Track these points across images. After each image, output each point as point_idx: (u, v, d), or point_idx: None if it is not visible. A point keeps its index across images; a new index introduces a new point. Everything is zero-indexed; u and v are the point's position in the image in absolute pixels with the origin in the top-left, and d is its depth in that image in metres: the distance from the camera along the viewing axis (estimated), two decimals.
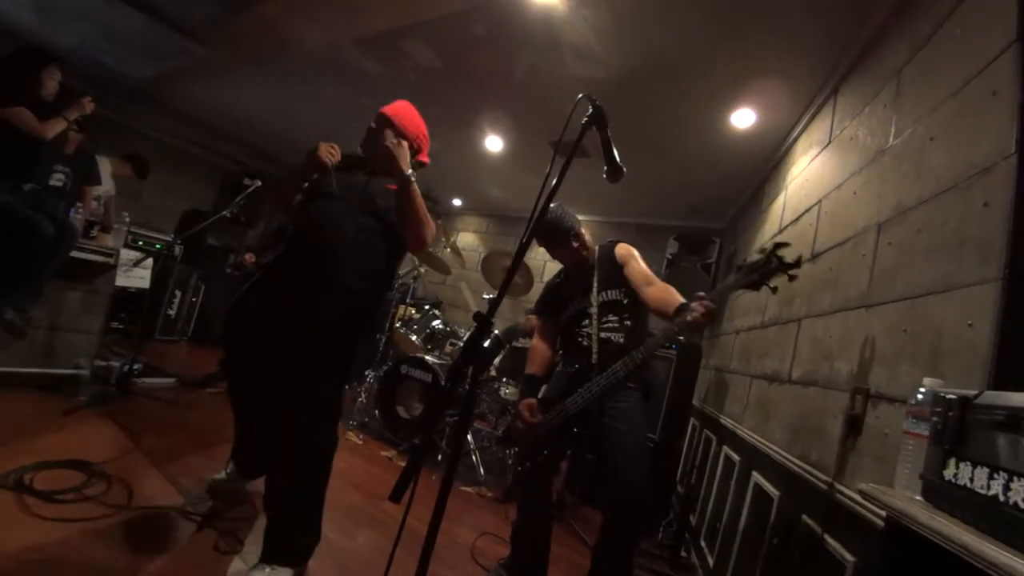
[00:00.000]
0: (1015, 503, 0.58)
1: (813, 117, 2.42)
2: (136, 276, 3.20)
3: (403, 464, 3.01)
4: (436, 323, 3.72)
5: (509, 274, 0.97)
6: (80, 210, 2.88)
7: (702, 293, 1.44)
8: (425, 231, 1.69)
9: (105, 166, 3.62)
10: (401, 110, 1.82)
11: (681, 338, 2.99)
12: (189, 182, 6.07)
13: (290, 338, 1.61)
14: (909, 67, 1.54)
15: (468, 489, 2.91)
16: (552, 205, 1.90)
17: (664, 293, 1.69)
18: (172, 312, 5.10)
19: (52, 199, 2.61)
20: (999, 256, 0.92)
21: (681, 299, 1.58)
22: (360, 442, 3.22)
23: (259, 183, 3.37)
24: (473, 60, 2.97)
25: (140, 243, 4.40)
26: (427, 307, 3.77)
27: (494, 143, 4.07)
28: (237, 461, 2.01)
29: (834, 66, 2.14)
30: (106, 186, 3.58)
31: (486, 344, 3.54)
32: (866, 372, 1.32)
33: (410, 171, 1.63)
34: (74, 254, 2.64)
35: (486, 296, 3.90)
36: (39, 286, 2.49)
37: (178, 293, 5.14)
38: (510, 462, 3.11)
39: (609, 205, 5.29)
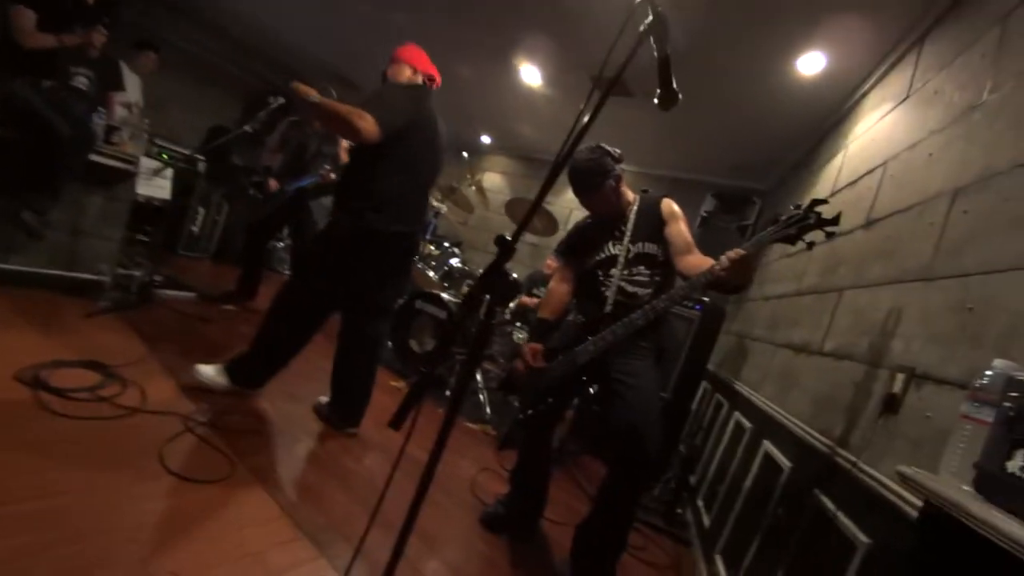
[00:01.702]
0: None
1: (892, 67, 2.16)
2: (157, 186, 3.17)
3: (393, 383, 3.07)
4: (454, 261, 3.66)
5: (531, 209, 0.87)
6: (104, 115, 2.82)
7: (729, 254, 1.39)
8: (348, 125, 1.78)
9: (133, 79, 3.53)
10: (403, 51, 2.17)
11: (706, 298, 2.88)
12: (217, 99, 5.94)
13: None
14: (1020, 11, 1.32)
15: (473, 426, 2.95)
16: (590, 148, 1.75)
17: (700, 261, 1.60)
18: (196, 228, 5.14)
19: (72, 100, 2.55)
20: None
21: (715, 263, 1.49)
22: None
23: (283, 101, 3.24)
24: None
25: (163, 155, 4.36)
26: (446, 244, 3.70)
27: (531, 74, 3.81)
28: (249, 370, 2.10)
29: (925, 8, 1.88)
30: (134, 96, 3.50)
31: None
32: (913, 350, 1.21)
33: (313, 96, 1.80)
34: (94, 158, 2.61)
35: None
36: (56, 188, 2.47)
37: (201, 210, 5.15)
38: (517, 405, 3.13)
39: (647, 155, 5.01)
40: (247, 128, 3.26)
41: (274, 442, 1.90)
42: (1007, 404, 0.68)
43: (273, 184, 3.52)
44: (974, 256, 1.12)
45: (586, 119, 0.86)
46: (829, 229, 1.31)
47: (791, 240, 1.35)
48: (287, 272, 3.93)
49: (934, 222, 1.34)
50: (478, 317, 0.77)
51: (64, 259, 2.69)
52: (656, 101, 1.06)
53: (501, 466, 2.42)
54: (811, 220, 1.32)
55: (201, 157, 4.36)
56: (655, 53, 0.98)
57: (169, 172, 3.30)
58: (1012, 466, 0.64)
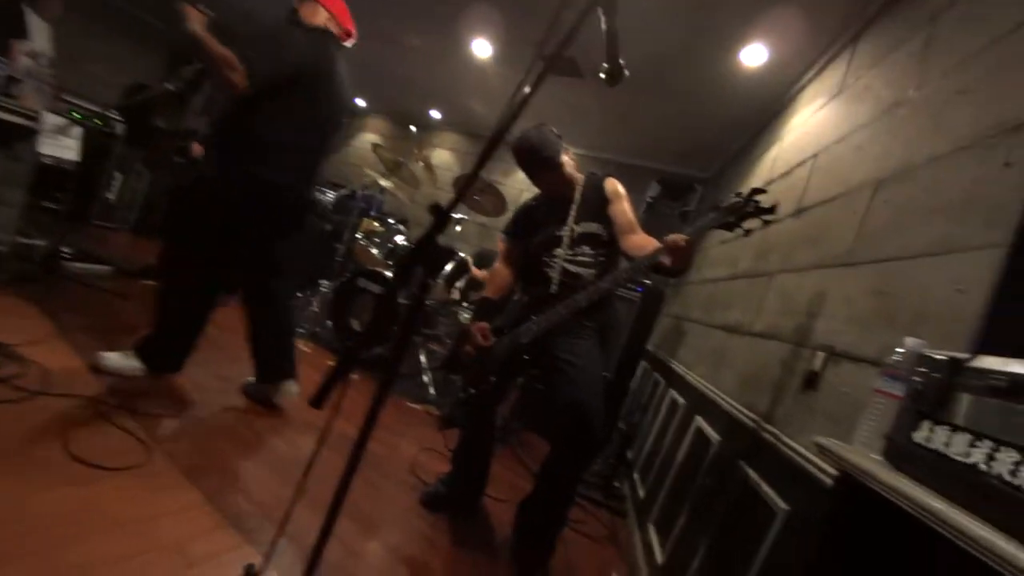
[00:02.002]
0: (998, 474, 0.53)
1: (828, 63, 2.26)
2: (63, 146, 2.84)
3: (353, 376, 2.97)
4: (399, 238, 3.55)
5: (468, 180, 0.82)
6: (5, 65, 2.47)
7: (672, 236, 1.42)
8: (219, 73, 1.68)
9: (40, 25, 3.10)
10: None
11: (648, 280, 2.96)
12: (137, 54, 5.39)
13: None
14: (948, 14, 1.40)
15: (416, 406, 2.90)
16: (535, 127, 1.73)
17: (643, 240, 1.62)
18: (112, 196, 4.67)
19: None
20: (1009, 221, 0.85)
21: (659, 245, 1.51)
22: (309, 351, 3.13)
23: None
24: None
25: (73, 113, 3.90)
26: (391, 221, 3.58)
27: (482, 48, 3.70)
28: (159, 352, 1.94)
29: (862, 7, 1.97)
30: (41, 45, 3.09)
31: (450, 266, 3.42)
32: (834, 330, 1.29)
33: (194, 28, 1.65)
34: None
35: (456, 216, 3.73)
36: None
37: (119, 176, 4.69)
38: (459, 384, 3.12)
39: (595, 138, 5.05)
40: (169, 86, 2.97)
41: (196, 426, 1.78)
42: (916, 379, 0.73)
43: (197, 149, 3.25)
44: (891, 243, 1.20)
45: (527, 90, 0.82)
46: (766, 217, 1.36)
47: (730, 227, 1.39)
48: None
49: (857, 211, 1.42)
50: (420, 295, 0.73)
51: None
52: (602, 75, 1.04)
53: (445, 446, 2.40)
54: (750, 208, 1.36)
55: (116, 116, 3.95)
56: (602, 26, 0.95)
57: (78, 131, 2.96)
58: (918, 436, 0.68)
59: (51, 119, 2.72)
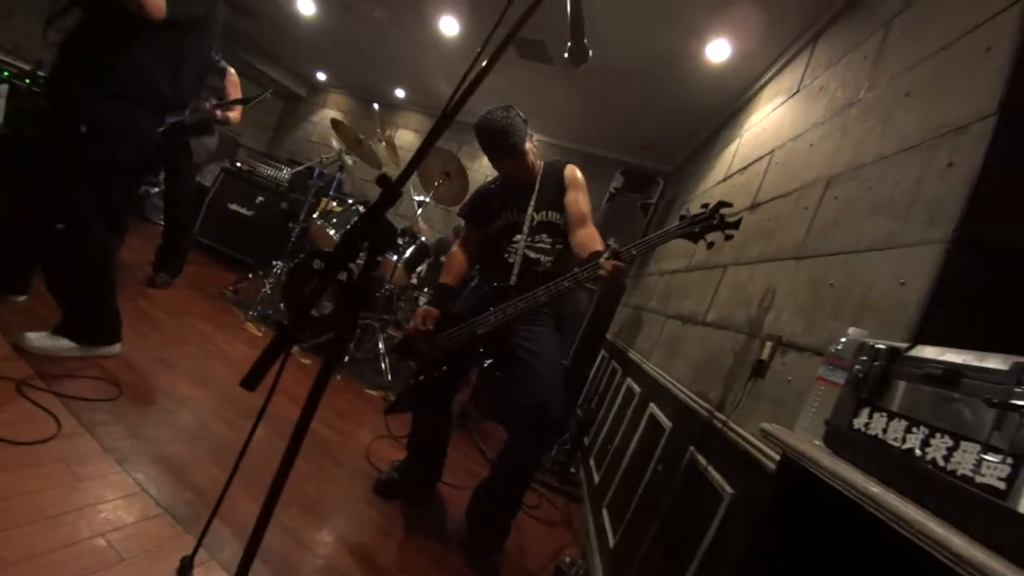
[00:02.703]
0: (933, 459, 0.55)
1: (787, 63, 2.32)
2: None
3: (303, 360, 2.88)
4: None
5: (417, 154, 0.77)
6: None
7: (614, 247, 1.42)
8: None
9: None
10: None
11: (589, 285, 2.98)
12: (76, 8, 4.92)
13: None
14: (901, 18, 1.45)
15: (373, 392, 2.84)
16: (502, 109, 1.69)
17: (588, 238, 1.62)
18: None
19: None
20: (950, 219, 0.89)
21: (600, 246, 1.53)
22: (260, 335, 3.00)
23: None
24: None
25: (3, 72, 3.54)
26: (351, 201, 3.45)
27: (449, 25, 3.60)
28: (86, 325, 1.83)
29: (822, 8, 2.02)
30: None
31: (411, 250, 3.35)
32: (782, 321, 1.33)
33: None
34: None
35: (417, 198, 3.65)
36: None
37: None
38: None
39: (561, 127, 5.04)
40: None
41: (130, 410, 1.66)
42: (857, 367, 0.75)
43: None
44: (840, 238, 1.24)
45: (484, 63, 0.78)
46: (729, 232, 1.37)
47: (694, 238, 1.40)
48: (160, 222, 3.41)
49: (808, 206, 1.47)
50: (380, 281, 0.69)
51: None
52: (566, 55, 1.02)
53: (389, 431, 2.35)
54: (714, 222, 1.36)
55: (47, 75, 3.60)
56: (568, 4, 0.93)
57: (3, 89, 2.69)
58: (858, 423, 0.71)
59: None
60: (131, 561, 1.09)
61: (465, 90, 0.63)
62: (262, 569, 1.24)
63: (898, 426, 0.63)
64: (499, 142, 1.68)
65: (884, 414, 0.66)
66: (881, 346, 0.72)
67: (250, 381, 0.55)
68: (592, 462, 2.66)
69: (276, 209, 4.40)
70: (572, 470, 2.68)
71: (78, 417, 1.47)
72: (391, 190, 0.60)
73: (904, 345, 0.70)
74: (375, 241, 0.61)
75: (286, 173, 4.56)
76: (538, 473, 2.53)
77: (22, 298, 2.00)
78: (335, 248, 3.01)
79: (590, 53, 0.99)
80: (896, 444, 0.62)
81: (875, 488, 0.58)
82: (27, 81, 3.63)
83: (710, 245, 1.39)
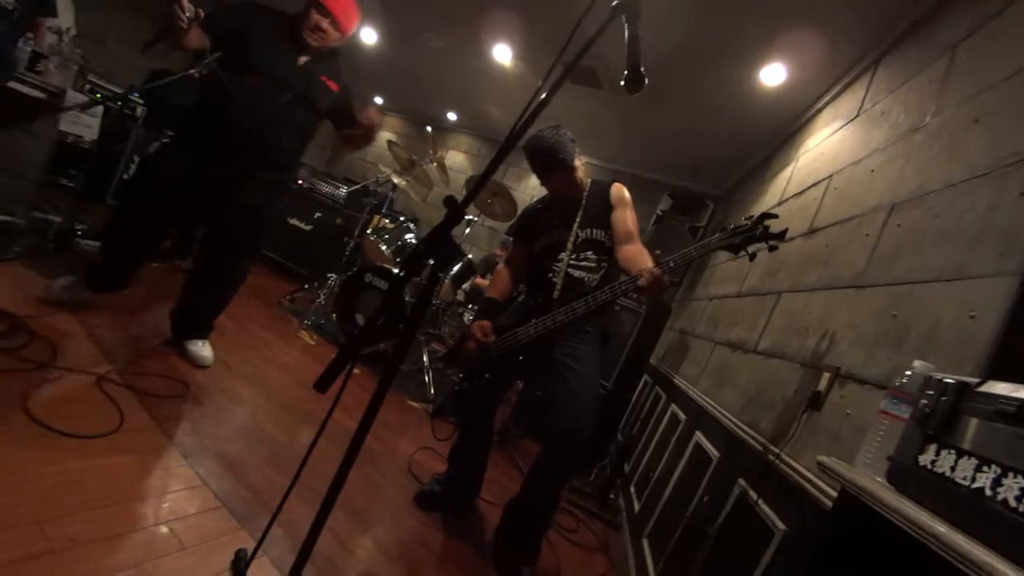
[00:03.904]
0: (1004, 500, 0.53)
1: (847, 87, 2.26)
2: (83, 124, 2.88)
3: (354, 370, 2.97)
4: (409, 236, 3.57)
5: (480, 180, 0.82)
6: (31, 41, 2.51)
7: (658, 256, 1.44)
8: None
9: (67, 5, 3.16)
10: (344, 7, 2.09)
11: (630, 297, 2.95)
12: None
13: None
14: (967, 43, 1.41)
15: (416, 404, 2.90)
16: (552, 128, 1.74)
17: (637, 254, 1.60)
18: (128, 178, 4.72)
19: None
20: (1023, 251, 0.85)
21: (651, 263, 1.51)
22: (313, 343, 3.14)
23: None
24: None
25: (95, 93, 3.96)
26: (402, 219, 3.59)
27: (502, 53, 3.73)
28: (97, 275, 2.12)
29: (883, 33, 1.97)
30: (66, 22, 3.14)
31: (458, 267, 3.43)
32: (840, 351, 1.28)
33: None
34: (12, 85, 2.32)
35: (468, 216, 3.75)
36: None
37: (137, 159, 4.74)
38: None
39: (610, 149, 5.06)
40: (193, 72, 3.00)
41: (196, 409, 1.78)
42: (923, 401, 0.72)
43: None
44: (904, 267, 1.19)
45: (543, 96, 0.82)
46: (773, 243, 1.32)
47: (735, 249, 1.36)
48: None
49: (870, 233, 1.42)
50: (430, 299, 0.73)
51: None
52: (623, 83, 1.05)
53: (434, 436, 2.38)
54: (757, 233, 1.33)
55: (137, 98, 4.00)
56: (625, 32, 0.96)
57: (99, 109, 3.00)
58: (924, 459, 0.68)
59: (73, 96, 2.76)
60: (191, 550, 1.16)
61: (528, 116, 0.67)
62: (309, 569, 1.29)
63: (967, 464, 0.60)
64: (549, 158, 1.72)
65: (952, 451, 0.63)
66: (950, 380, 0.69)
67: (322, 384, 0.59)
68: (632, 489, 2.60)
69: (332, 224, 4.62)
70: (611, 496, 2.62)
71: (151, 411, 1.59)
72: (456, 211, 0.64)
73: (975, 380, 0.67)
74: (440, 259, 0.65)
75: (343, 191, 4.80)
76: (576, 497, 2.49)
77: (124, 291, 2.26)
78: (403, 263, 3.14)
79: (646, 81, 1.02)
80: (965, 483, 0.59)
81: (941, 527, 0.55)
82: (119, 104, 4.04)
83: (752, 257, 1.34)
